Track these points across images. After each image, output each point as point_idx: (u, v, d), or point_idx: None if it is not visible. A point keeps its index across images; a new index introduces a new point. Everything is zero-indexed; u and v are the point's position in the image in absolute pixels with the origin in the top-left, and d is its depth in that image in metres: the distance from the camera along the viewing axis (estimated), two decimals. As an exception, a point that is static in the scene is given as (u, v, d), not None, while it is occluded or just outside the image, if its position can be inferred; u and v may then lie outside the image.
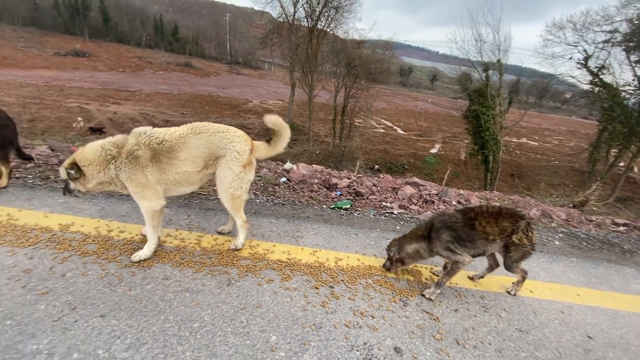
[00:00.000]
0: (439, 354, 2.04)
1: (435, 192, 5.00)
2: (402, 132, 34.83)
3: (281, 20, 26.81)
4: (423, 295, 2.55)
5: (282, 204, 3.92)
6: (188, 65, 59.22)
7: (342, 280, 2.60)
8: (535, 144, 38.46)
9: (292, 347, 1.92)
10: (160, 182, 2.51)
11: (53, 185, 3.62)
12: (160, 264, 2.51)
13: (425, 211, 4.33)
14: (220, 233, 3.05)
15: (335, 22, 24.94)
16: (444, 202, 4.72)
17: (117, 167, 2.41)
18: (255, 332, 1.99)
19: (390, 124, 37.75)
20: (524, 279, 2.70)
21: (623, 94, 19.01)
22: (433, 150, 28.71)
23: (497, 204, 4.73)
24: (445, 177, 12.95)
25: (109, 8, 66.46)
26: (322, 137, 26.79)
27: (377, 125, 35.64)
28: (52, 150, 4.71)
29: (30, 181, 3.65)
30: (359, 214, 3.97)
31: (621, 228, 4.75)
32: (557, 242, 3.99)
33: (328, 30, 25.40)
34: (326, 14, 24.59)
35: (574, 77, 21.11)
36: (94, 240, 2.67)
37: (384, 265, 2.81)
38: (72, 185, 2.47)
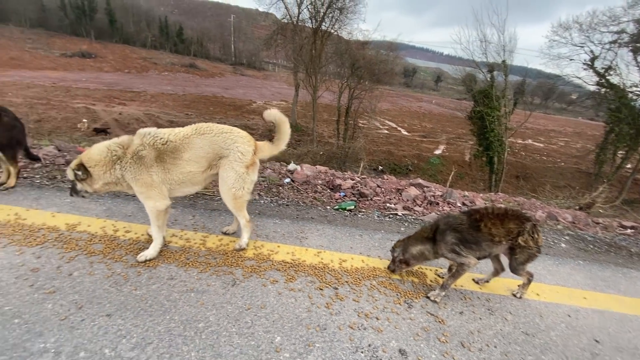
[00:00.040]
0: (444, 356, 2.02)
1: (440, 193, 4.98)
2: (406, 133, 34.75)
3: (285, 21, 26.87)
4: (428, 298, 2.54)
5: (286, 205, 3.93)
6: (193, 66, 59.62)
7: (347, 282, 2.60)
8: (541, 145, 38.17)
9: (297, 348, 1.92)
10: (165, 182, 2.53)
11: (60, 185, 3.66)
12: (166, 264, 2.52)
13: (430, 213, 4.31)
14: (225, 233, 3.06)
15: (340, 23, 24.95)
16: (448, 203, 4.69)
17: (122, 167, 2.43)
18: (260, 333, 2.00)
19: (394, 125, 37.67)
20: (529, 281, 2.68)
21: (630, 95, 18.78)
22: (437, 152, 28.59)
23: (502, 205, 4.69)
24: (450, 178, 12.90)
25: (115, 9, 67.20)
26: (326, 138, 26.80)
27: (381, 126, 35.59)
28: (59, 150, 4.75)
29: (38, 181, 3.69)
30: (363, 215, 3.96)
31: (628, 231, 4.70)
32: (563, 245, 3.96)
33: (332, 31, 25.40)
34: (330, 15, 24.61)
35: (580, 78, 20.91)
36: (100, 240, 2.70)
37: (388, 267, 2.80)
38: (79, 186, 2.49)
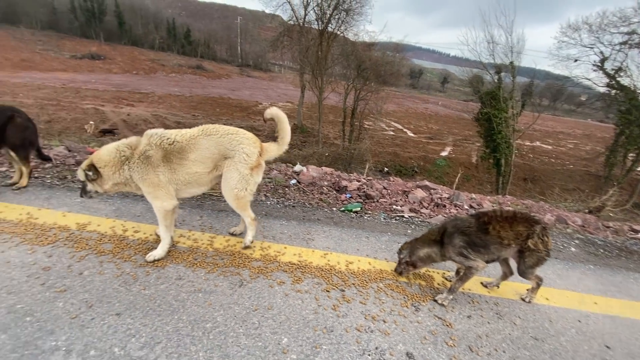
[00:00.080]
0: (451, 360, 2.01)
1: (447, 195, 4.95)
2: (412, 134, 34.59)
3: (292, 23, 26.97)
4: (435, 301, 2.52)
5: (293, 206, 3.93)
6: (200, 68, 60.06)
7: (353, 284, 2.59)
8: (549, 147, 37.69)
9: (304, 350, 1.92)
10: (172, 182, 2.55)
11: (70, 185, 3.71)
12: (174, 264, 2.54)
13: (437, 215, 4.28)
14: (232, 234, 3.08)
15: (346, 25, 24.99)
16: (455, 206, 4.66)
17: (130, 167, 2.47)
18: (267, 334, 2.00)
19: (400, 127, 37.52)
20: (538, 285, 2.65)
21: (641, 96, 18.47)
22: (444, 153, 28.40)
23: (510, 208, 4.65)
24: (456, 180, 12.81)
25: (124, 12, 68.05)
26: (332, 139, 26.79)
27: (387, 128, 35.47)
28: (69, 150, 4.83)
29: (49, 181, 3.75)
30: (369, 217, 3.95)
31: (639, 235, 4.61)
32: (573, 249, 3.90)
33: (338, 32, 25.45)
34: (337, 17, 24.66)
35: (589, 80, 20.60)
36: (109, 240, 2.73)
37: (395, 270, 2.79)
38: (89, 186, 2.53)
